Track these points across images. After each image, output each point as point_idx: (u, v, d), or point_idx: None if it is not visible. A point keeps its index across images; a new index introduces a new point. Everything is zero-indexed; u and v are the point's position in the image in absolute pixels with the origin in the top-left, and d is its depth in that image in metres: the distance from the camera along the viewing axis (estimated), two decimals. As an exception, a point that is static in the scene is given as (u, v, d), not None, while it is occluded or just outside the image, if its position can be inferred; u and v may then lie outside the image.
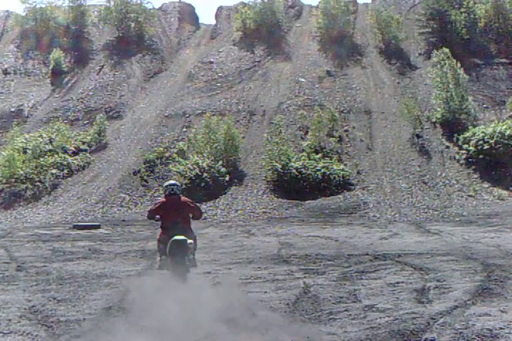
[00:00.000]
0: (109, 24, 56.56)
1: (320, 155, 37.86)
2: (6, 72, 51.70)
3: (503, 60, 47.39)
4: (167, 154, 39.47)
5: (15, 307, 12.10)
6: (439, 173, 36.70)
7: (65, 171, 38.86)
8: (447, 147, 38.85)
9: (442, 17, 50.43)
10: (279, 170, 36.27)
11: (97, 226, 28.77)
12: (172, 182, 13.99)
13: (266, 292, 13.12)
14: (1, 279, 15.41)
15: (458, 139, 38.48)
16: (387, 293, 12.64)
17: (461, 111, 40.33)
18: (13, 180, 37.58)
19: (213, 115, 41.23)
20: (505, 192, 34.18)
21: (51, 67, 51.38)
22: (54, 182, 37.93)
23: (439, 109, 41.09)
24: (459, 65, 41.27)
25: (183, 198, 13.48)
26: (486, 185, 35.14)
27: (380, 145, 39.69)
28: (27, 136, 41.56)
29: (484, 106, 42.95)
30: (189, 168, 36.38)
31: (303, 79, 47.14)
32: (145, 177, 37.91)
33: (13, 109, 46.97)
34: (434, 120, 41.18)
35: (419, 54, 49.67)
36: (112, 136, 42.82)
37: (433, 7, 51.39)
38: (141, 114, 45.38)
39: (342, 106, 43.46)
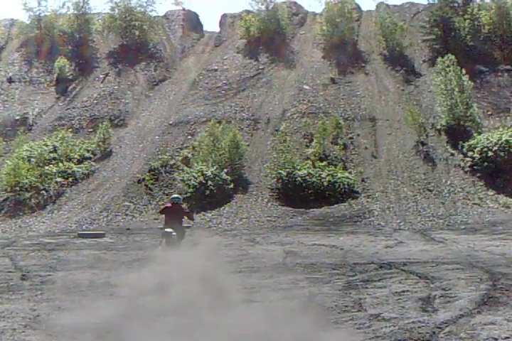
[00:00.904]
0: (114, 32, 56.64)
1: (325, 162, 37.86)
2: (10, 81, 51.79)
3: (507, 67, 47.34)
4: (171, 162, 39.50)
5: (19, 316, 12.06)
6: (443, 181, 36.65)
7: (70, 179, 38.90)
8: (452, 154, 38.79)
9: (446, 24, 50.37)
10: (284, 178, 36.27)
11: (102, 235, 28.76)
12: (176, 195, 21.14)
13: (271, 302, 13.07)
14: (5, 288, 15.38)
15: (463, 146, 38.43)
16: (392, 302, 12.59)
17: (465, 119, 40.27)
18: (18, 188, 37.60)
19: (218, 122, 41.25)
20: (510, 200, 34.12)
21: (55, 75, 51.51)
22: (58, 190, 37.97)
23: (443, 116, 41.05)
24: (463, 71, 41.26)
25: (182, 206, 20.32)
26: (491, 193, 35.08)
27: (385, 153, 39.65)
28: (32, 144, 41.60)
29: (488, 113, 42.88)
30: (193, 176, 36.40)
31: (307, 87, 47.14)
32: (149, 186, 37.93)
33: (17, 117, 47.03)
34: (438, 127, 41.15)
35: (423, 61, 49.65)
36: (116, 144, 42.85)
37: (437, 14, 51.35)
38: (146, 122, 45.41)
39: (346, 114, 43.44)
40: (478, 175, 36.62)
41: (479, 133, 38.99)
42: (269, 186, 37.11)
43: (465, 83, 40.98)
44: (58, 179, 38.50)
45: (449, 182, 36.49)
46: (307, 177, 36.17)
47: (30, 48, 55.49)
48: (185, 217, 19.75)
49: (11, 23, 60.39)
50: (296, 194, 35.78)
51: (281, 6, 56.86)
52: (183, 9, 62.04)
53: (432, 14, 52.09)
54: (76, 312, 12.34)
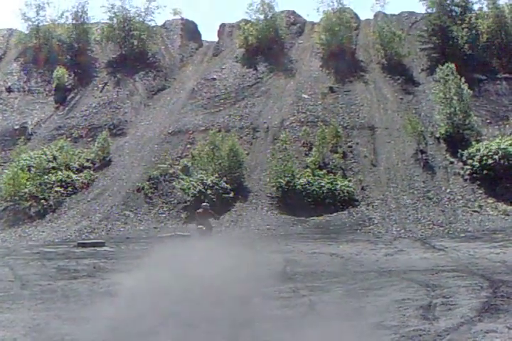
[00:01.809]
0: (112, 42, 56.62)
1: (324, 171, 37.87)
2: (9, 90, 51.80)
3: (506, 75, 47.35)
4: (171, 171, 39.49)
5: (20, 325, 12.05)
6: (443, 189, 36.65)
7: (69, 189, 38.90)
8: (451, 162, 38.79)
9: (444, 32, 50.40)
10: (284, 186, 36.28)
11: (102, 244, 28.72)
12: (205, 204, 28.57)
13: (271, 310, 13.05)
14: (5, 298, 15.36)
15: (462, 154, 38.42)
16: (393, 310, 12.57)
17: (464, 127, 40.25)
18: (18, 197, 37.58)
19: (218, 131, 41.29)
20: (510, 208, 34.10)
21: (54, 84, 51.49)
22: (58, 199, 37.96)
23: (442, 125, 41.03)
24: (462, 80, 41.29)
25: (209, 211, 27.69)
26: (491, 201, 35.07)
27: (384, 161, 39.66)
28: (31, 154, 41.57)
29: (487, 121, 42.89)
30: (193, 185, 36.41)
31: (306, 96, 47.16)
32: (149, 194, 37.93)
33: (16, 127, 47.01)
34: (437, 135, 41.13)
35: (422, 69, 49.66)
36: (115, 153, 42.83)
37: (435, 23, 51.40)
38: (145, 131, 45.40)
39: (345, 122, 43.43)
40: (478, 182, 36.61)
41: (478, 142, 39.01)
42: (268, 194, 37.11)
43: (464, 91, 41.01)
44: (58, 188, 38.50)
45: (448, 190, 36.50)
46: (307, 185, 36.19)
47: (29, 58, 55.47)
48: (212, 217, 28.40)
49: (9, 33, 60.35)
50: (296, 202, 35.76)
51: (280, 15, 56.82)
52: (182, 19, 62.05)
53: (430, 23, 52.14)
54: (76, 322, 12.32)
